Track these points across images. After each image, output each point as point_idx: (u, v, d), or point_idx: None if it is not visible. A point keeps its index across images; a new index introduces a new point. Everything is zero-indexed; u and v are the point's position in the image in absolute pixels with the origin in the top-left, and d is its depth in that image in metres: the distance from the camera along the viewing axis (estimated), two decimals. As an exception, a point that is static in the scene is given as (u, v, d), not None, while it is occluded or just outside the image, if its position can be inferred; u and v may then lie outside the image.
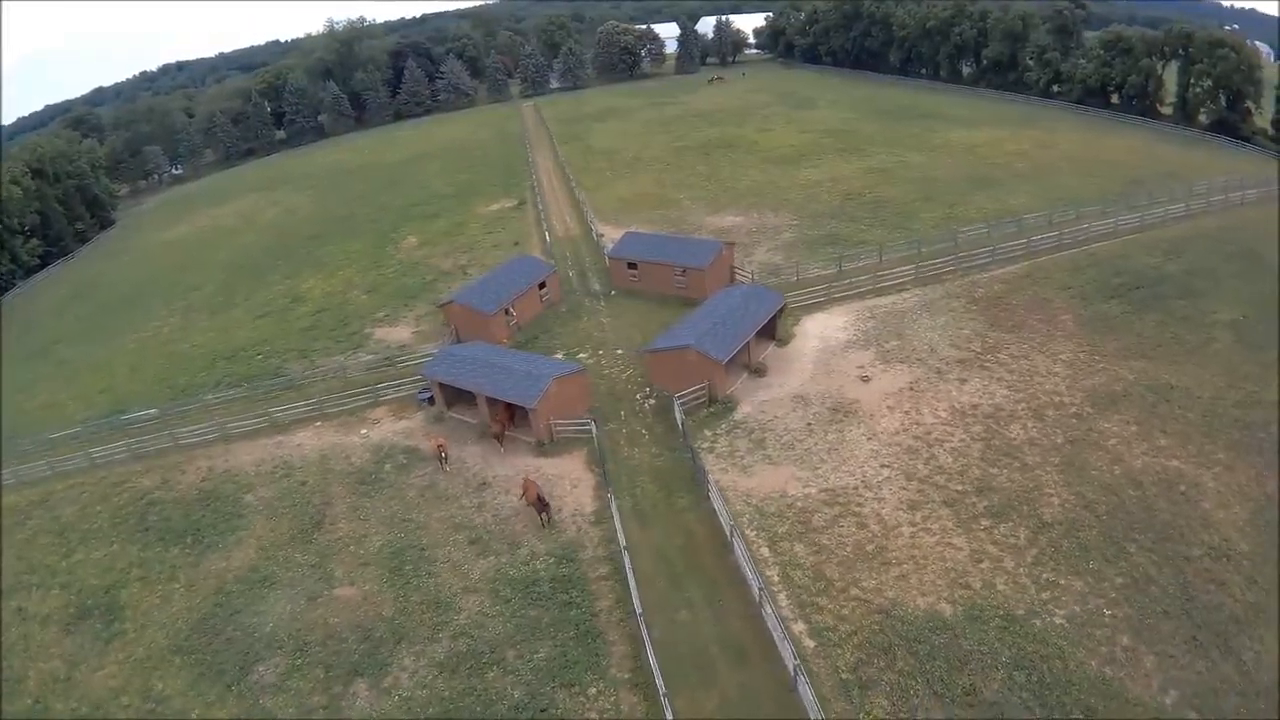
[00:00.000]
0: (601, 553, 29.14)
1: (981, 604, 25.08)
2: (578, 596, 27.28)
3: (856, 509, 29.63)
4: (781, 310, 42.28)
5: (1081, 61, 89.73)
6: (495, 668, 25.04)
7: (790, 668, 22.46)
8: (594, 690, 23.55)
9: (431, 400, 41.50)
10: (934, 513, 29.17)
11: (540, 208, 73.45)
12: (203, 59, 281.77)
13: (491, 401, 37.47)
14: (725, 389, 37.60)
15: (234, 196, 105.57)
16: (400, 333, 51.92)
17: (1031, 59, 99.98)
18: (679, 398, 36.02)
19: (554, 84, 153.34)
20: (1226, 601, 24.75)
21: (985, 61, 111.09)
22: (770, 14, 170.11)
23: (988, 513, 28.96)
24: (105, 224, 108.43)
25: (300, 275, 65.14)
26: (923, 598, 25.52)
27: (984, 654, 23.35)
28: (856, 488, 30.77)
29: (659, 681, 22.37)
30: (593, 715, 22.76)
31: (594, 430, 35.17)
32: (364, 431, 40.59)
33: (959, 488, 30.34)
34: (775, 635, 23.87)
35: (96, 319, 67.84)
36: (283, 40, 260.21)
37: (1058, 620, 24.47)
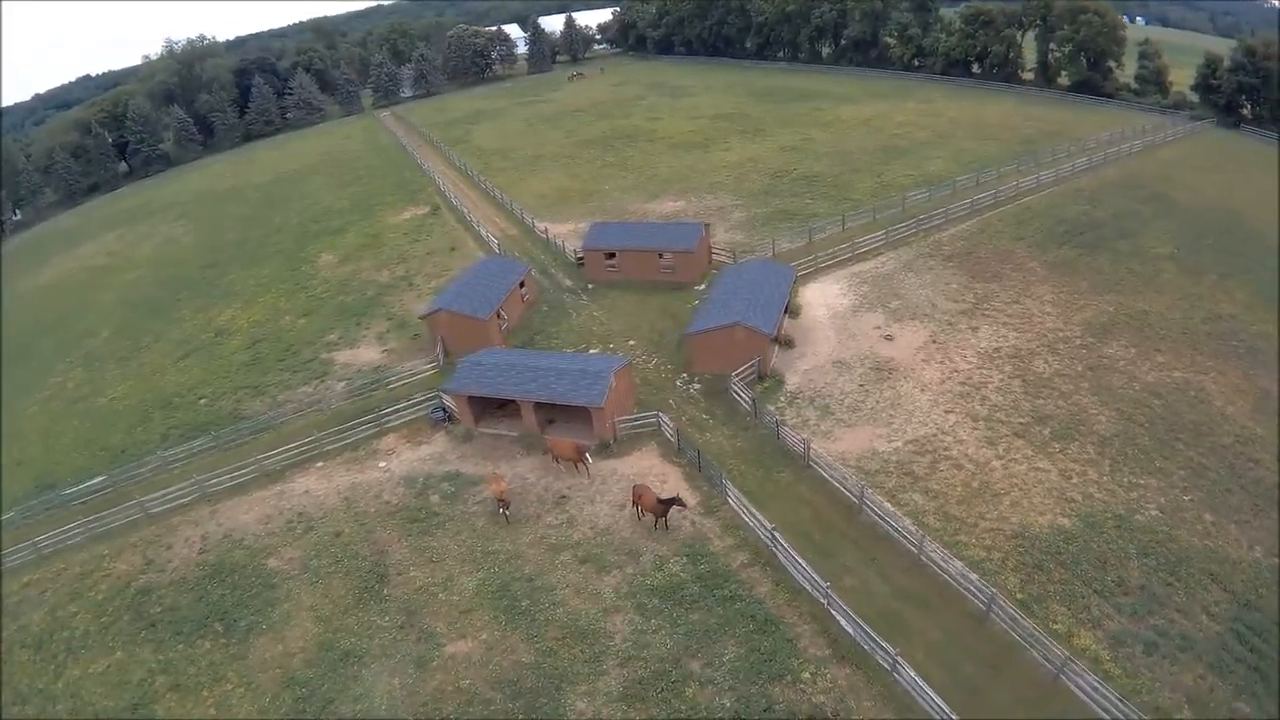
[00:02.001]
0: (731, 541, 30.05)
1: (1090, 511, 29.58)
2: (735, 589, 27.77)
3: (946, 453, 33.33)
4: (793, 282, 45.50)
5: (943, 35, 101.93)
6: (689, 683, 24.60)
7: (983, 600, 25.45)
8: (807, 675, 24.48)
9: (448, 418, 40.49)
10: (1011, 445, 33.54)
11: (462, 211, 72.10)
12: (19, 102, 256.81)
13: (539, 408, 37.37)
14: (770, 363, 40.14)
15: (94, 235, 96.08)
16: (366, 354, 49.52)
17: (893, 36, 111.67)
18: (737, 375, 38.09)
19: (406, 92, 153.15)
20: (1265, 474, 31.18)
21: (845, 41, 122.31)
22: (616, 9, 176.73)
23: (1054, 437, 33.78)
24: None
25: (212, 307, 59.79)
26: (1041, 517, 29.57)
27: (1114, 551, 27.77)
28: (936, 435, 34.51)
29: (883, 645, 24.04)
30: (820, 698, 23.72)
31: (663, 421, 36.28)
32: (383, 465, 38.45)
33: (1021, 420, 35.01)
34: (947, 578, 26.80)
35: (-19, 383, 58.08)
36: (94, 74, 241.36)
37: (1153, 512, 29.52)
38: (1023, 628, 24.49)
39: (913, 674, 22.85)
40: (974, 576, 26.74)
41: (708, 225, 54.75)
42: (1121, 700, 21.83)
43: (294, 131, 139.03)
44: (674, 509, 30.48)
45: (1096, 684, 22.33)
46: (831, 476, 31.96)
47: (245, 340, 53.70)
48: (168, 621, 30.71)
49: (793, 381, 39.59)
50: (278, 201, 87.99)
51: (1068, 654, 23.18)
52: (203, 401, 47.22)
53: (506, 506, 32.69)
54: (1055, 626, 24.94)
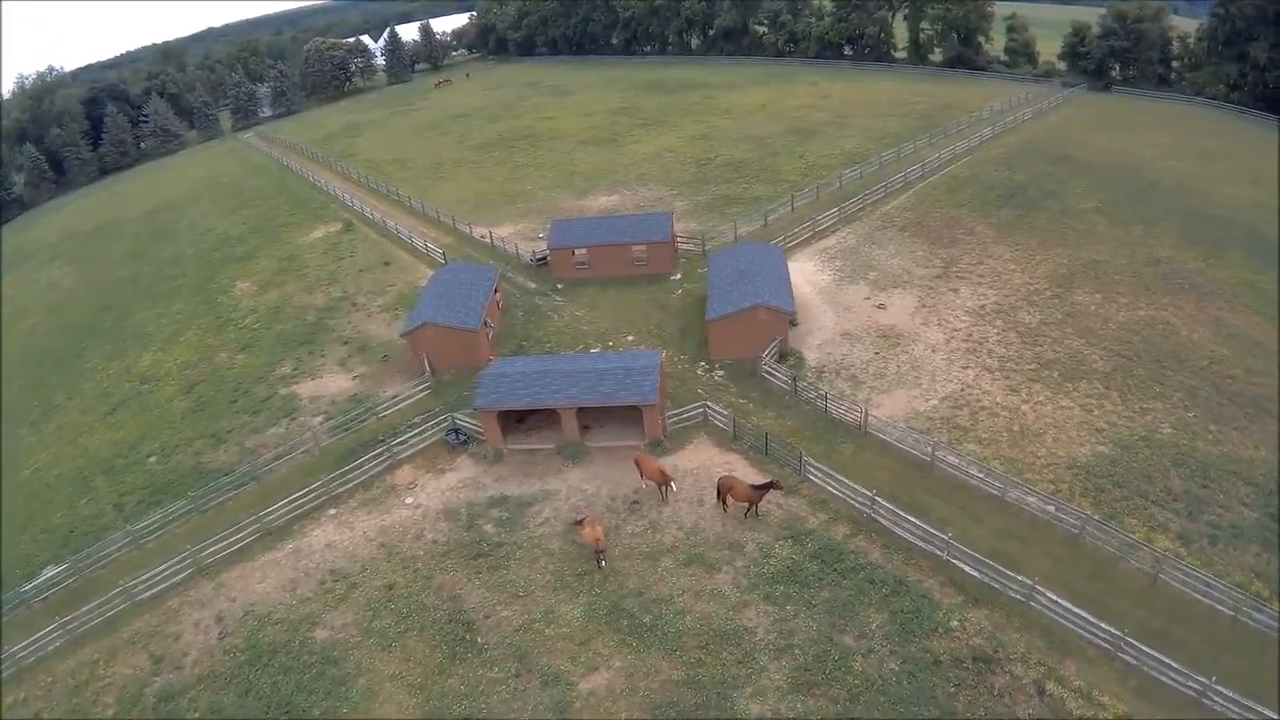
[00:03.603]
0: (825, 516, 31.34)
1: (1119, 437, 33.95)
2: (853, 559, 29.05)
3: (979, 404, 36.70)
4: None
5: (813, 20, 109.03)
6: (854, 658, 25.52)
7: (1075, 525, 28.82)
8: (955, 623, 26.30)
9: (465, 440, 39.22)
10: (1031, 390, 37.48)
11: (381, 224, 68.98)
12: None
13: (581, 413, 36.97)
14: (788, 342, 42.05)
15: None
16: (335, 383, 46.55)
17: (764, 23, 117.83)
18: (767, 355, 39.73)
19: (266, 111, 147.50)
20: (1245, 387, 36.92)
21: (715, 31, 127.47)
22: (473, 13, 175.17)
23: (1064, 378, 38.08)
24: None
25: (126, 353, 53.83)
26: (1082, 448, 33.47)
27: (1153, 466, 32.17)
28: (964, 389, 37.83)
29: (1019, 578, 26.47)
30: (976, 640, 25.67)
31: (711, 411, 37.12)
32: (409, 500, 36.04)
33: (1030, 367, 39.11)
34: (1032, 512, 30.01)
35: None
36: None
37: (1167, 430, 34.28)
38: (1111, 541, 28.01)
39: (1054, 596, 25.53)
40: (1051, 508, 29.92)
41: (670, 213, 56.04)
42: (1214, 579, 26.05)
43: (153, 161, 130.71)
44: (770, 494, 31.24)
45: (1189, 571, 26.31)
46: (894, 440, 34.32)
47: (180, 385, 48.94)
48: (218, 732, 26.83)
49: (812, 357, 41.76)
50: (163, 233, 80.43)
51: (1160, 553, 26.88)
52: (152, 460, 42.65)
53: (603, 555, 30.46)
54: (1135, 536, 28.54)
